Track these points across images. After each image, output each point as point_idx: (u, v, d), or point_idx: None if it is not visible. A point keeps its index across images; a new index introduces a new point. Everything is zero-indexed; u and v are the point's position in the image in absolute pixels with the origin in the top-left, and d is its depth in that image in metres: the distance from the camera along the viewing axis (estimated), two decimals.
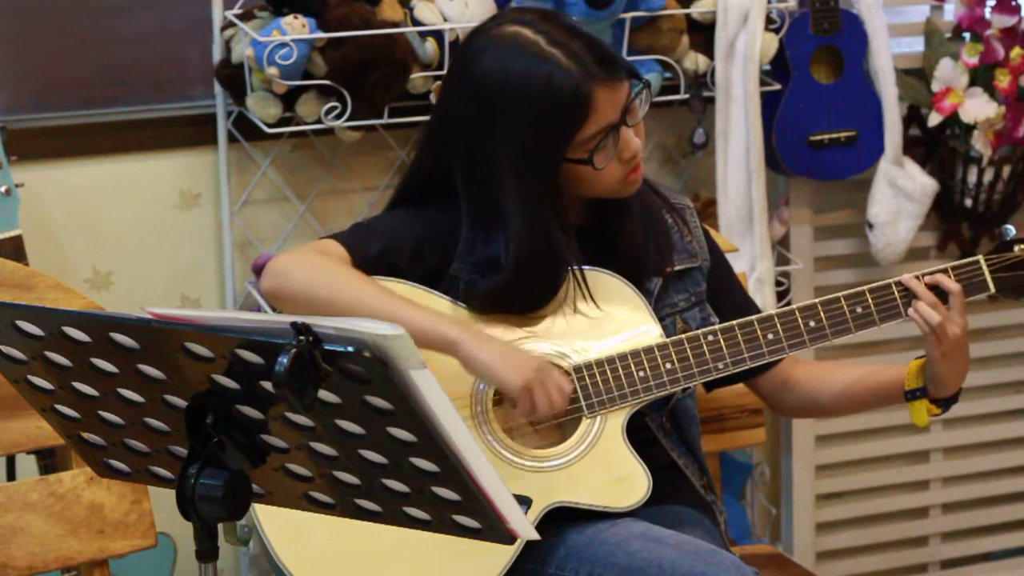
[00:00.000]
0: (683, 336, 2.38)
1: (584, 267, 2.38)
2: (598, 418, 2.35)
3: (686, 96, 3.41)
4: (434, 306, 2.34)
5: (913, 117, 3.64)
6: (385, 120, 3.19)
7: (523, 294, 2.36)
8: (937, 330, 2.34)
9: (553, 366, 2.29)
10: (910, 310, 2.36)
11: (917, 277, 2.39)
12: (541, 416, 2.28)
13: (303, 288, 2.29)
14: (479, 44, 2.33)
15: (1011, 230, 2.43)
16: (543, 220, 2.32)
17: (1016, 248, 2.41)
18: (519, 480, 2.31)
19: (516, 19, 2.33)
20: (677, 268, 2.47)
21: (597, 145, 2.30)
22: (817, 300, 2.40)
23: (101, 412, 1.78)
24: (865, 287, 2.41)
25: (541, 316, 2.37)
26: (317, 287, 2.28)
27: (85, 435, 1.84)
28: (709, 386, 2.52)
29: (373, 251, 2.35)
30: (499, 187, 2.31)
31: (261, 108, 3.13)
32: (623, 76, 2.31)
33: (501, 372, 2.23)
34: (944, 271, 2.40)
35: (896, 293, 2.40)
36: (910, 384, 2.42)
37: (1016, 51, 3.56)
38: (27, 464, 2.99)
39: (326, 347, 1.55)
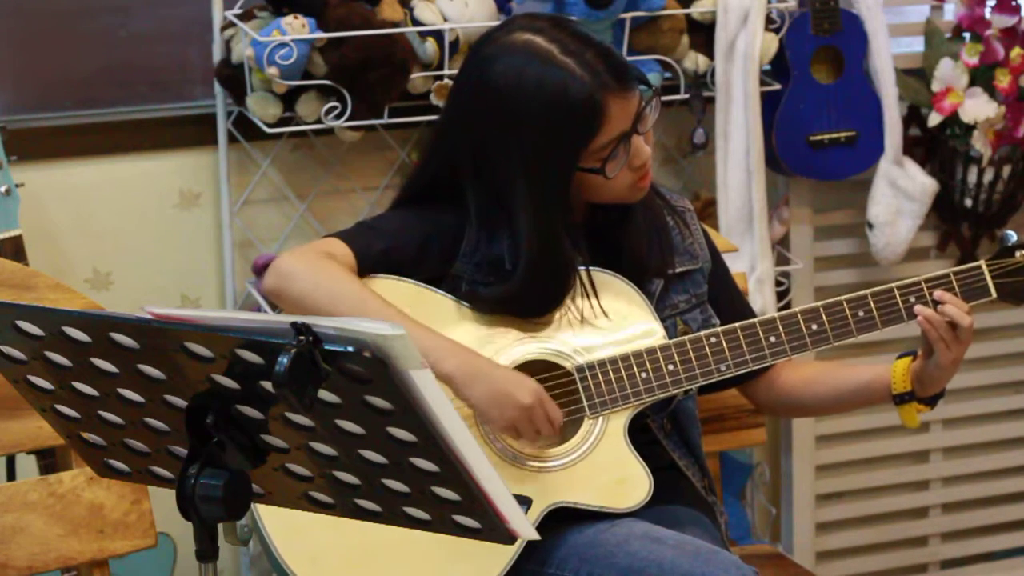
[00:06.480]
0: (685, 337, 2.38)
1: (588, 268, 2.38)
2: (600, 419, 2.35)
3: (686, 96, 3.41)
4: (437, 305, 2.35)
5: (913, 117, 3.64)
6: (385, 120, 3.19)
7: (530, 300, 2.36)
8: (950, 340, 2.34)
9: (548, 395, 2.30)
10: (925, 326, 2.35)
11: (925, 289, 2.38)
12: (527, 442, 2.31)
13: (306, 295, 2.29)
14: (491, 51, 2.32)
15: (1012, 235, 2.43)
16: (554, 228, 2.32)
17: (1017, 254, 2.41)
18: (520, 480, 2.31)
19: (527, 26, 2.32)
20: (678, 270, 2.47)
21: (609, 154, 2.30)
22: (819, 303, 2.40)
23: (101, 412, 1.78)
24: (867, 291, 2.41)
25: (545, 316, 2.37)
26: (320, 296, 2.28)
27: (85, 435, 1.84)
28: (702, 389, 2.51)
29: (377, 250, 2.35)
30: (510, 194, 2.31)
31: (261, 108, 3.13)
32: (635, 85, 2.31)
33: (487, 413, 2.26)
34: (946, 276, 2.40)
35: (898, 297, 2.40)
36: (898, 388, 2.42)
37: (1016, 51, 3.56)
38: (27, 464, 2.99)
39: (326, 347, 1.55)
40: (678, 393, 2.40)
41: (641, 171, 2.36)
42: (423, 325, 2.28)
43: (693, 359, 2.37)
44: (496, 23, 2.61)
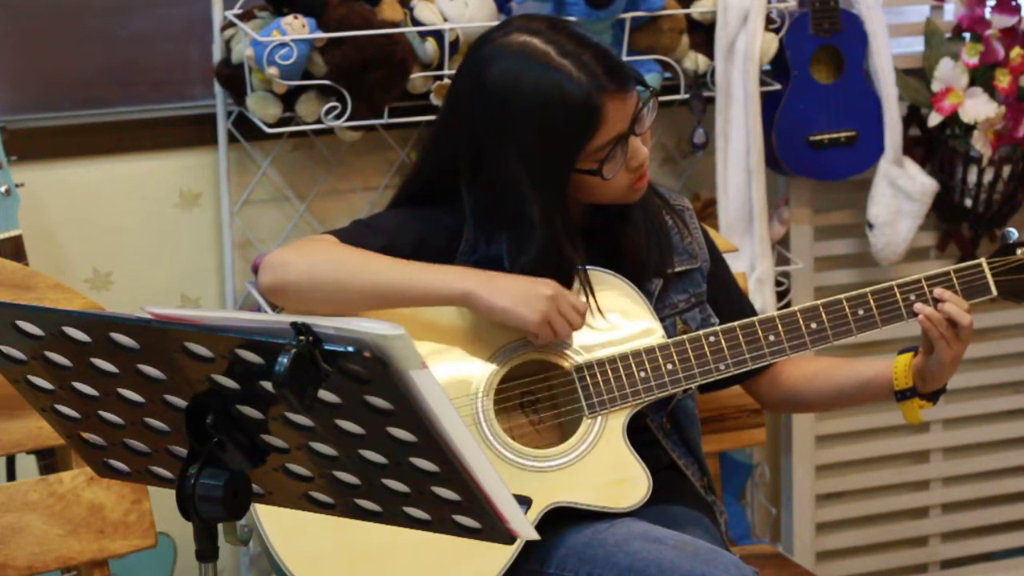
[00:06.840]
0: (684, 336, 2.38)
1: (586, 267, 2.38)
2: (599, 418, 2.35)
3: (686, 96, 3.41)
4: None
5: (913, 117, 3.64)
6: (385, 120, 3.19)
7: None
8: (951, 338, 2.34)
9: (564, 287, 2.31)
10: (925, 324, 2.35)
11: (926, 287, 2.38)
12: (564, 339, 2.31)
13: (306, 274, 2.28)
14: (488, 52, 2.32)
15: (1013, 233, 2.43)
16: (552, 229, 2.32)
17: (1018, 251, 2.41)
18: (519, 480, 2.31)
19: (525, 28, 2.32)
20: (677, 269, 2.47)
21: (607, 155, 2.30)
22: (819, 302, 2.40)
23: (101, 412, 1.78)
24: (867, 289, 2.41)
25: None
26: (321, 270, 2.28)
27: (85, 435, 1.84)
28: (704, 387, 2.51)
29: (374, 248, 2.35)
30: (507, 195, 2.31)
31: (261, 108, 3.13)
32: (632, 86, 2.31)
33: (518, 315, 2.26)
34: (946, 274, 2.40)
35: (898, 295, 2.40)
36: (900, 384, 2.42)
37: (1016, 51, 3.56)
38: (27, 464, 2.99)
39: (326, 347, 1.55)
40: (677, 392, 2.41)
41: (639, 172, 2.36)
42: (432, 265, 2.29)
43: (692, 358, 2.37)
44: (495, 23, 2.61)
